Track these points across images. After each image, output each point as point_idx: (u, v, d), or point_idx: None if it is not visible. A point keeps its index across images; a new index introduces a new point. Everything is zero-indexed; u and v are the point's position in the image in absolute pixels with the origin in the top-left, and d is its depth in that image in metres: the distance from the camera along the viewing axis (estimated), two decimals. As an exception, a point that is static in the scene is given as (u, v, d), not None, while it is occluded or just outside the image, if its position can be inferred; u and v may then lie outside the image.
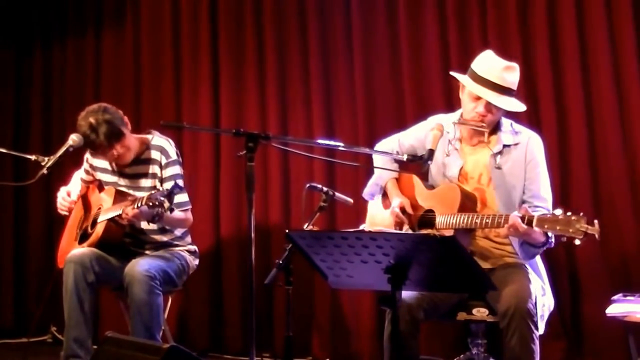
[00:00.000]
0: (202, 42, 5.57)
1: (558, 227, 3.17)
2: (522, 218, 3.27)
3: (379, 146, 3.98)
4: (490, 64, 3.64)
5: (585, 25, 4.55)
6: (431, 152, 3.43)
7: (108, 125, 4.14)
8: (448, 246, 2.76)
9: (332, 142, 3.83)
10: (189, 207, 4.36)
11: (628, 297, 3.87)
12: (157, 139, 4.41)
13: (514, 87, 3.64)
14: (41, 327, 5.59)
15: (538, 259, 3.69)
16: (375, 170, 3.97)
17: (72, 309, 4.08)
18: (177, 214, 4.23)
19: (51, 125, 6.00)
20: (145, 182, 4.34)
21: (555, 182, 4.38)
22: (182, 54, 5.64)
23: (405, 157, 3.45)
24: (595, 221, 3.14)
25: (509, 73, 3.62)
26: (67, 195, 4.44)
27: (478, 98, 3.60)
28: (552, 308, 3.63)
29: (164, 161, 4.31)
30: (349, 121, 5.14)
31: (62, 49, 6.05)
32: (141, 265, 4.10)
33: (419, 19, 4.96)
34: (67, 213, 4.46)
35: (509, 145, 3.66)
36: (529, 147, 3.66)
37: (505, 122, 3.73)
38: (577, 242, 3.15)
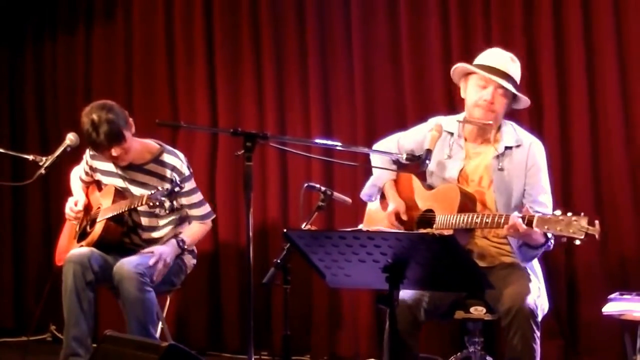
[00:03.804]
0: (197, 39, 5.48)
1: (559, 228, 3.19)
2: (523, 218, 3.29)
3: (378, 146, 3.96)
4: (496, 54, 3.74)
5: (592, 24, 4.53)
6: (429, 152, 3.45)
7: (110, 125, 4.09)
8: (446, 245, 2.77)
9: (330, 142, 3.84)
10: (213, 216, 4.50)
11: (625, 296, 3.90)
12: (167, 155, 4.34)
13: (517, 80, 3.71)
14: (41, 325, 5.60)
15: (535, 261, 3.71)
16: (374, 170, 3.97)
17: (71, 308, 4.10)
18: (196, 227, 4.39)
19: (46, 123, 5.97)
20: None
21: (556, 182, 4.41)
22: (176, 51, 5.56)
23: (404, 157, 3.46)
24: (597, 221, 3.16)
25: (513, 65, 3.70)
26: (75, 205, 4.44)
27: (485, 87, 3.64)
28: (545, 310, 3.65)
29: (176, 179, 4.19)
30: (348, 121, 5.13)
31: (52, 45, 5.96)
32: (130, 263, 4.10)
33: (421, 17, 4.92)
34: (76, 222, 4.46)
35: (510, 147, 3.68)
36: (530, 152, 3.68)
37: (507, 125, 3.76)
38: (577, 242, 3.18)
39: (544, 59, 4.61)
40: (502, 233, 3.45)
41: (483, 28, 4.77)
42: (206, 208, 4.44)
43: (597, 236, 3.16)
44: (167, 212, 4.01)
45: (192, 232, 4.39)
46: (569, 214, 3.19)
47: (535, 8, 4.66)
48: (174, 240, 4.29)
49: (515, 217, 3.31)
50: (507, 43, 4.44)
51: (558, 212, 3.22)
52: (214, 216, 4.53)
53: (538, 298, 3.55)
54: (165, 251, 4.21)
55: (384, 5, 5.04)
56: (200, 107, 5.47)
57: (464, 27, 4.81)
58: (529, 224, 3.27)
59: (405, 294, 3.37)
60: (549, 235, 3.40)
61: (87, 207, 4.49)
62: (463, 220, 3.50)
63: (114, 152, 4.18)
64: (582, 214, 3.18)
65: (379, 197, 3.94)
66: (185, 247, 4.31)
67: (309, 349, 5.17)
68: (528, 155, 3.67)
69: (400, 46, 4.98)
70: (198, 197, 4.40)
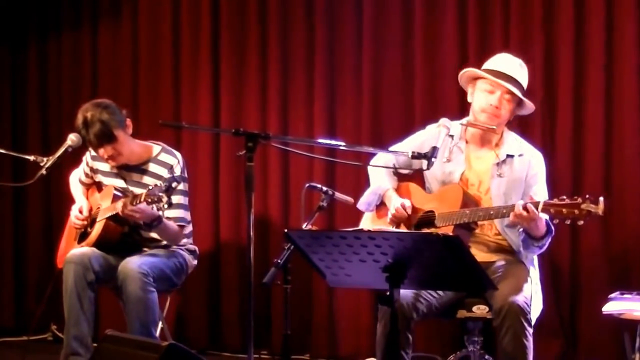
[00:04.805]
0: (203, 37, 5.46)
1: (565, 210, 3.23)
2: (528, 204, 3.32)
3: (375, 161, 3.98)
4: (506, 59, 3.76)
5: (614, 26, 4.51)
6: (435, 149, 3.42)
7: (101, 125, 4.11)
8: (450, 245, 2.78)
9: (333, 142, 3.83)
10: (185, 224, 4.34)
11: (625, 295, 3.92)
12: (164, 155, 4.35)
13: (525, 86, 3.74)
14: (41, 325, 5.60)
15: (535, 262, 3.74)
16: (372, 180, 3.96)
17: (72, 307, 4.11)
18: (173, 226, 4.25)
19: (48, 123, 5.96)
20: None
21: (567, 184, 4.48)
22: (181, 49, 5.53)
23: (410, 154, 3.45)
24: (601, 199, 3.19)
25: (522, 71, 3.73)
26: (80, 213, 4.43)
27: (492, 92, 3.67)
28: (538, 312, 3.66)
29: (174, 175, 4.18)
30: (353, 120, 5.09)
31: (57, 43, 5.94)
32: (134, 263, 4.11)
33: (437, 15, 4.85)
34: (82, 230, 4.46)
35: (512, 156, 3.72)
36: (531, 163, 3.73)
37: (510, 134, 3.80)
38: (581, 222, 3.22)
39: (562, 62, 4.57)
40: (509, 219, 3.45)
41: (502, 30, 4.69)
42: (181, 213, 4.28)
43: (600, 213, 3.19)
44: (166, 208, 4.00)
45: (170, 225, 4.25)
46: (575, 197, 3.23)
47: (555, 7, 4.59)
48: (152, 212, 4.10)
49: (522, 203, 3.34)
50: (527, 44, 4.46)
51: (563, 197, 3.26)
52: (187, 228, 4.37)
53: (536, 294, 3.58)
54: (148, 210, 4.05)
55: (399, 2, 4.95)
56: (203, 106, 5.45)
57: (481, 27, 4.73)
58: (535, 208, 3.30)
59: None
60: (551, 226, 3.44)
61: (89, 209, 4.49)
62: (466, 214, 3.52)
63: (104, 151, 4.19)
64: (587, 195, 3.22)
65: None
66: (161, 217, 4.11)
67: (309, 348, 5.18)
68: (529, 166, 3.72)
69: (413, 46, 4.90)
70: (180, 200, 4.27)
